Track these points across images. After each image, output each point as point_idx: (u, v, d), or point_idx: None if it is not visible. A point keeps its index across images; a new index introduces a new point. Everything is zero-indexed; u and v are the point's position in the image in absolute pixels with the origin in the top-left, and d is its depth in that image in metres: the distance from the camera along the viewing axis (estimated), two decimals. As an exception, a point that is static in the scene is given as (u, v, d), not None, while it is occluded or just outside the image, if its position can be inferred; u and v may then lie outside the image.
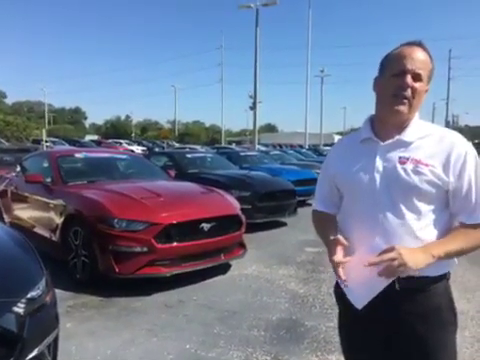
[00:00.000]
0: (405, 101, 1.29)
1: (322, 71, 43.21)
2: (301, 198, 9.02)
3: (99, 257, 3.94)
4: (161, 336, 3.07)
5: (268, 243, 6.17)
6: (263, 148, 24.82)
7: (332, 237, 1.37)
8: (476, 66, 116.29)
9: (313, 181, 10.24)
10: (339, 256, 1.33)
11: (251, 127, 25.79)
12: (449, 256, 1.29)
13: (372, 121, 1.42)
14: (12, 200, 5.68)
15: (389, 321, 1.34)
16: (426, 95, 1.35)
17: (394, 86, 1.29)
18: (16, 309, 1.85)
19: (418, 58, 1.29)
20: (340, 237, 1.35)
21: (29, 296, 1.97)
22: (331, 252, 1.35)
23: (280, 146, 32.73)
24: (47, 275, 2.23)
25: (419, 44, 1.32)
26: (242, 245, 4.89)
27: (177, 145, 36.75)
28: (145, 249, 3.88)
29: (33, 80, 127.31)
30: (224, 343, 2.97)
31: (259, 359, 2.76)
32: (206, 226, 4.27)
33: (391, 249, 1.21)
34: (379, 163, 1.34)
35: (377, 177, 1.33)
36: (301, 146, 31.90)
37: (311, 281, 4.45)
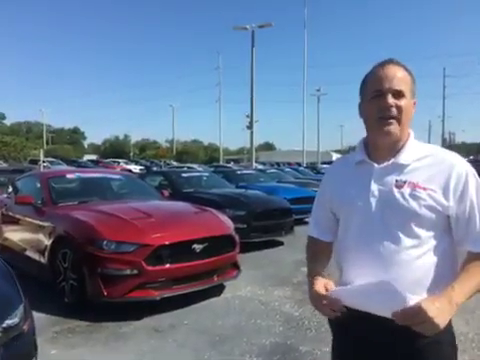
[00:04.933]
0: (392, 121, 1.23)
1: (318, 90, 43.72)
2: (298, 216, 8.93)
3: (87, 280, 3.83)
4: (149, 362, 2.94)
5: (264, 263, 6.05)
6: (260, 166, 24.86)
7: (315, 278, 1.29)
8: (470, 84, 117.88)
9: (310, 199, 10.15)
10: (321, 289, 1.23)
11: (249, 145, 25.86)
12: (467, 299, 1.17)
13: (366, 143, 1.36)
14: (3, 222, 5.58)
15: (384, 352, 1.24)
16: (416, 109, 1.30)
17: (377, 109, 1.24)
18: (-11, 339, 1.75)
19: (394, 75, 1.24)
20: (320, 280, 1.27)
21: (4, 325, 1.87)
22: (313, 284, 1.27)
23: (278, 164, 32.82)
24: (26, 302, 2.13)
25: (391, 61, 1.27)
26: (236, 266, 4.78)
27: (175, 164, 36.82)
28: (135, 271, 3.78)
29: (32, 101, 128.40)
30: (214, 370, 2.85)
31: (250, 388, 2.64)
32: (198, 247, 4.18)
33: (418, 309, 1.04)
34: (374, 187, 1.27)
35: (373, 201, 1.26)
36: (299, 164, 31.98)
37: (307, 303, 4.30)
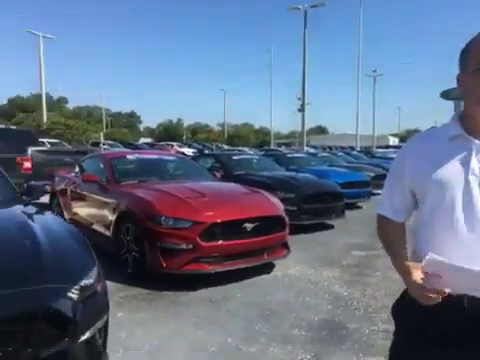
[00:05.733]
0: None
1: (374, 71, 41.92)
2: (350, 201, 8.85)
3: (148, 253, 4.14)
4: (205, 329, 3.18)
5: (313, 245, 6.12)
6: (311, 150, 24.54)
7: (408, 263, 1.22)
8: None
9: (363, 184, 10.10)
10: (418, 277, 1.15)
11: (300, 129, 25.58)
12: None
13: (461, 117, 1.24)
14: (71, 198, 6.10)
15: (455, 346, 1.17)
16: None
17: None
18: (70, 295, 2.03)
19: None
20: (414, 265, 1.19)
21: (82, 284, 2.14)
22: (407, 272, 1.20)
23: (330, 148, 32.17)
24: (98, 266, 2.40)
25: None
26: (286, 246, 4.90)
27: (226, 147, 37.30)
28: (190, 246, 4.03)
29: (92, 86, 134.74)
30: (265, 339, 3.02)
31: (299, 357, 2.78)
32: (249, 226, 4.35)
33: None
34: (475, 164, 1.16)
35: (472, 180, 1.15)
36: (352, 148, 31.12)
37: (356, 284, 4.37)
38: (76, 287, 2.08)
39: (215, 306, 3.67)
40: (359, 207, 9.74)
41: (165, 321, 3.32)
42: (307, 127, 26.98)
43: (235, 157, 9.65)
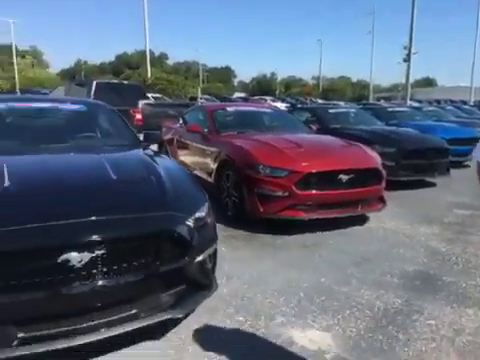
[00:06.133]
0: None
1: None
2: (458, 159, 8.20)
3: (246, 198, 4.46)
4: (299, 269, 3.43)
5: (411, 202, 5.92)
6: (415, 104, 22.63)
7: None
8: None
9: (473, 140, 9.12)
10: None
11: (404, 81, 23.56)
12: None
13: None
14: (177, 147, 6.69)
15: None
16: None
17: None
18: (188, 223, 2.38)
19: None
20: None
21: (196, 215, 2.48)
22: None
23: (437, 102, 29.24)
24: (209, 203, 2.73)
25: None
26: (381, 199, 4.85)
27: (320, 101, 36.13)
28: (286, 194, 4.24)
29: (190, 41, 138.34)
30: (356, 282, 3.17)
31: (390, 301, 2.89)
32: (344, 177, 4.39)
33: None
34: None
35: None
36: (464, 102, 27.93)
37: (456, 241, 4.22)
38: (192, 217, 2.42)
39: (309, 250, 3.89)
40: (466, 166, 8.97)
41: (262, 259, 3.64)
42: (412, 79, 24.74)
43: (331, 110, 9.44)
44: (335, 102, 29.68)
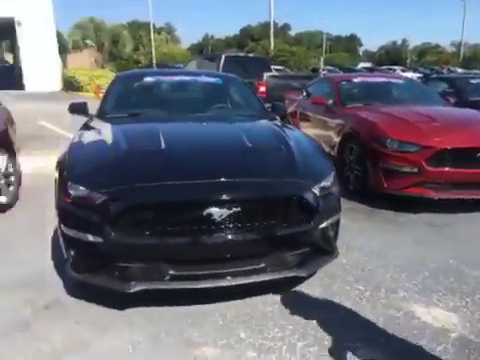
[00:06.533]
0: None
1: None
2: None
3: (370, 172, 4.37)
4: (425, 247, 3.31)
5: None
6: None
7: None
8: None
9: None
10: None
11: None
12: None
13: None
14: (300, 119, 6.77)
15: None
16: None
17: None
18: (314, 191, 2.50)
19: None
20: None
21: (322, 184, 2.59)
22: None
23: None
24: (335, 173, 2.80)
25: None
26: None
27: (460, 71, 31.92)
28: (415, 170, 4.03)
29: (312, 10, 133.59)
30: (491, 269, 2.94)
31: None
32: (485, 155, 3.97)
33: None
34: None
35: None
36: None
37: None
38: (318, 186, 2.53)
39: (436, 229, 3.69)
40: None
41: (384, 233, 3.59)
42: None
43: (473, 81, 8.39)
44: (477, 71, 25.90)
